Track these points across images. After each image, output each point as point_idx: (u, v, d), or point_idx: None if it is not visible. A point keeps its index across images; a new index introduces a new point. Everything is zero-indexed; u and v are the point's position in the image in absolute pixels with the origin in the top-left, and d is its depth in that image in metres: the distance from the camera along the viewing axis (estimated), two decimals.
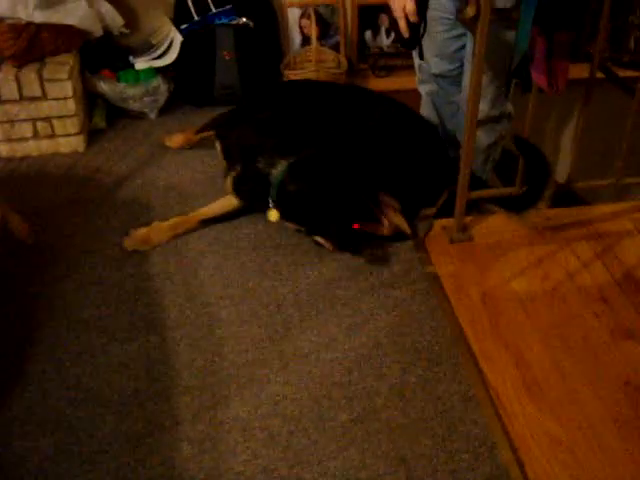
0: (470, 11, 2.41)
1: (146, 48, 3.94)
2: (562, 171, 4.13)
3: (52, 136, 3.53)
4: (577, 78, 2.86)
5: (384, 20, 4.31)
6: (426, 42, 3.09)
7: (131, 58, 3.89)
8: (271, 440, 2.14)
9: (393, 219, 2.76)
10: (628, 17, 4.36)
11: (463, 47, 3.03)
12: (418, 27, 2.48)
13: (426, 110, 3.42)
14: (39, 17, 3.48)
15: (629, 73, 3.86)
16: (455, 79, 3.20)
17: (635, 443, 2.12)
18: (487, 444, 2.13)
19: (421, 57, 2.99)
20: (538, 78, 2.58)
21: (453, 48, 3.02)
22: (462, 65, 3.09)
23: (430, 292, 2.67)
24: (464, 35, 2.98)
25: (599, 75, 2.79)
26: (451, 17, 2.93)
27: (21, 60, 3.41)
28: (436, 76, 3.26)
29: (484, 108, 2.75)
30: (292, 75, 3.99)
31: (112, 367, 2.37)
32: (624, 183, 3.08)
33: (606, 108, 3.54)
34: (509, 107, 3.05)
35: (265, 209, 2.84)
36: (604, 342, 2.47)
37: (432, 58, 3.16)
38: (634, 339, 2.48)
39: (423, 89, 3.39)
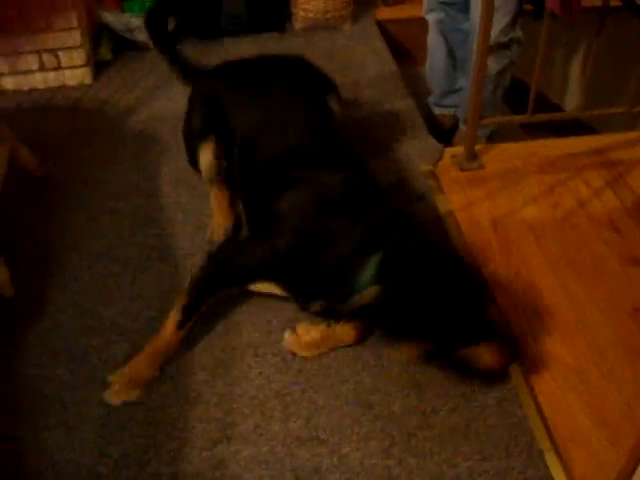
0: None
1: None
2: (573, 100, 4.11)
3: (58, 68, 3.49)
4: (590, 6, 2.81)
5: None
6: None
7: None
8: (284, 365, 2.17)
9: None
10: None
11: None
12: None
13: (434, 39, 3.37)
14: None
15: None
16: (463, 6, 3.15)
17: None
18: None
19: None
20: (551, 2, 2.54)
21: None
22: None
23: (441, 220, 2.67)
24: None
25: (614, 3, 2.73)
26: None
27: None
28: (444, 4, 3.22)
29: (494, 34, 2.70)
30: (301, 4, 3.92)
31: (125, 296, 2.40)
32: (636, 111, 3.04)
33: (619, 37, 3.48)
34: (519, 33, 3.01)
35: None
36: (613, 269, 2.48)
37: None
38: None
39: (430, 17, 3.34)
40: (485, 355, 1.99)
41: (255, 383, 2.12)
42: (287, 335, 2.22)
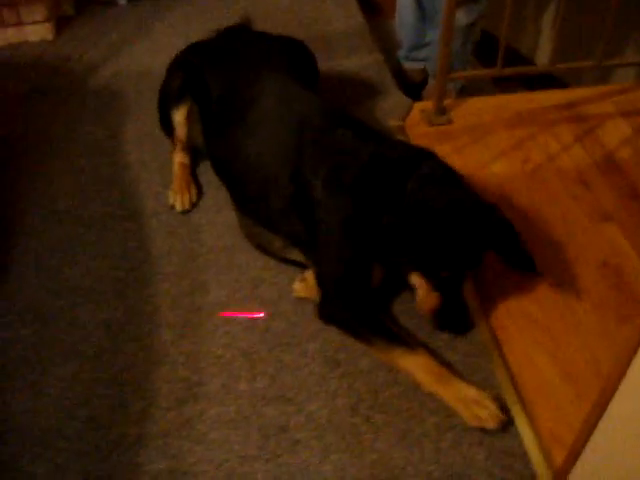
0: None
1: None
2: (544, 53, 4.08)
3: (19, 24, 3.40)
4: None
5: None
6: None
7: None
8: (251, 323, 2.15)
9: None
10: None
11: None
12: None
13: None
14: None
15: None
16: None
17: (611, 324, 2.14)
18: None
19: None
20: None
21: None
22: None
23: None
24: None
25: None
26: None
27: None
28: None
29: None
30: None
31: (90, 256, 2.36)
32: (607, 65, 3.02)
33: None
34: None
35: None
36: (582, 224, 2.47)
37: None
38: (612, 221, 2.48)
39: None
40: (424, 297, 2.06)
41: (221, 342, 2.11)
42: (296, 284, 2.21)
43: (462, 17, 2.92)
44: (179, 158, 2.61)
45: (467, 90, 3.37)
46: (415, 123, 2.90)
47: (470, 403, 1.91)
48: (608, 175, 2.66)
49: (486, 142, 2.80)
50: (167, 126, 2.64)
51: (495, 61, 2.84)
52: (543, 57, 4.24)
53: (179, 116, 2.56)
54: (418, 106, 3.00)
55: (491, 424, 1.88)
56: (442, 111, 2.89)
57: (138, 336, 2.12)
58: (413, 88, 3.38)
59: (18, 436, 1.89)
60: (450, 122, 2.89)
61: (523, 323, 2.15)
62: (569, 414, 1.91)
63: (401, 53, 3.54)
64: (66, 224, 2.48)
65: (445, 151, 2.72)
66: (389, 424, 1.90)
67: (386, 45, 3.59)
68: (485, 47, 3.35)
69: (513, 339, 2.11)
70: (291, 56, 2.60)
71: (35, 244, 2.41)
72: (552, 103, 3.01)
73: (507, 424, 1.89)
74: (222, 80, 2.50)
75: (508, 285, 2.25)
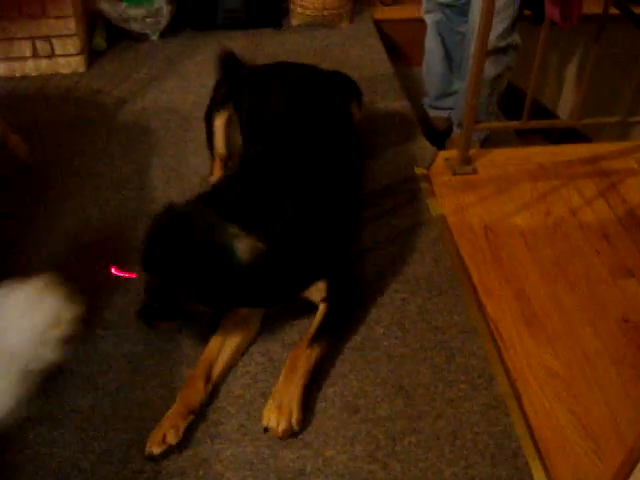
0: None
1: None
2: (566, 106, 4.11)
3: (52, 56, 3.46)
4: (589, 14, 2.81)
5: None
6: None
7: None
8: (271, 365, 2.15)
9: None
10: None
11: None
12: None
13: (431, 40, 3.36)
14: None
15: None
16: (462, 9, 3.15)
17: (631, 381, 2.14)
18: (485, 375, 2.14)
19: None
20: (551, 10, 2.53)
21: None
22: None
23: (432, 223, 2.66)
24: None
25: (612, 11, 2.74)
26: None
27: None
28: (443, 5, 3.21)
29: (492, 39, 2.70)
30: (299, 1, 3.89)
31: (113, 290, 2.36)
32: (631, 121, 3.05)
33: (614, 45, 3.48)
34: (517, 38, 3.01)
35: None
36: (604, 279, 2.48)
37: None
38: (634, 277, 2.49)
39: (429, 18, 3.33)
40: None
41: (241, 382, 2.10)
42: None
43: (490, 68, 2.95)
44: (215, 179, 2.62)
45: (489, 140, 3.39)
46: (439, 172, 2.92)
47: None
48: (630, 231, 2.67)
49: (510, 193, 2.81)
50: (210, 136, 2.75)
51: (516, 111, 2.87)
52: (565, 109, 4.28)
53: (219, 121, 2.68)
54: (443, 154, 3.02)
55: None
56: (467, 161, 2.91)
57: (158, 372, 2.12)
58: (437, 136, 3.41)
59: (34, 466, 1.89)
60: (474, 172, 2.91)
61: (543, 376, 2.15)
62: (587, 471, 1.91)
63: (426, 101, 3.58)
64: (90, 257, 2.48)
65: (469, 201, 2.76)
66: (407, 473, 1.89)
67: (412, 92, 3.62)
68: (506, 97, 3.38)
69: (532, 392, 2.11)
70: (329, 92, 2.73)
71: (59, 275, 2.41)
72: (576, 157, 3.03)
73: None
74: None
75: (528, 337, 2.26)
